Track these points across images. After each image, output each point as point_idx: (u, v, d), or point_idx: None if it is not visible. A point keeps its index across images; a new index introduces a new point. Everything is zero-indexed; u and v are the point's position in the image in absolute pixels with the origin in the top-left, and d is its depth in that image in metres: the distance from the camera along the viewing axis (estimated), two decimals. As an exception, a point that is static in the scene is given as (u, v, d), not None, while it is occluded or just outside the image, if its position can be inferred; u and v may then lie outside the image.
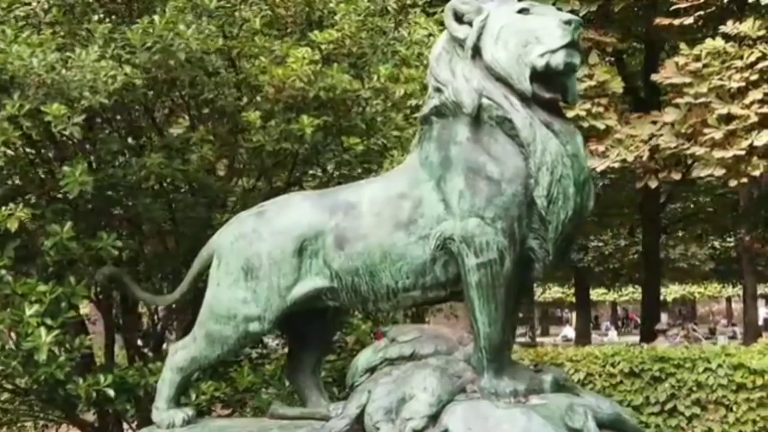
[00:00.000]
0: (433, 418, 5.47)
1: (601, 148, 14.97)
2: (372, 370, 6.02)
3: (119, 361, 8.76)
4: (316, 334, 6.62)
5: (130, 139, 7.59)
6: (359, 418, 5.69)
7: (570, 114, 14.97)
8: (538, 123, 5.51)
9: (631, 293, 52.69)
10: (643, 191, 18.34)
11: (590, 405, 5.62)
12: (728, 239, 32.55)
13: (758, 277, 37.75)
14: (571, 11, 15.46)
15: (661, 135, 14.67)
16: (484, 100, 5.58)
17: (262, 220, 6.25)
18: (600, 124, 15.03)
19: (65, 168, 6.36)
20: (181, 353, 6.42)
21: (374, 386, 5.77)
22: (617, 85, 15.64)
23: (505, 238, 5.50)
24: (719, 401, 10.05)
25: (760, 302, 44.30)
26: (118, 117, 7.44)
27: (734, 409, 9.96)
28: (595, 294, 54.22)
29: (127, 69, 6.33)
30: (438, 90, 5.78)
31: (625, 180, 18.03)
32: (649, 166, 15.04)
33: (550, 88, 5.58)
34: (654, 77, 15.54)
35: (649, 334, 21.75)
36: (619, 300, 60.47)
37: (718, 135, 13.80)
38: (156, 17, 6.41)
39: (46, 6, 6.88)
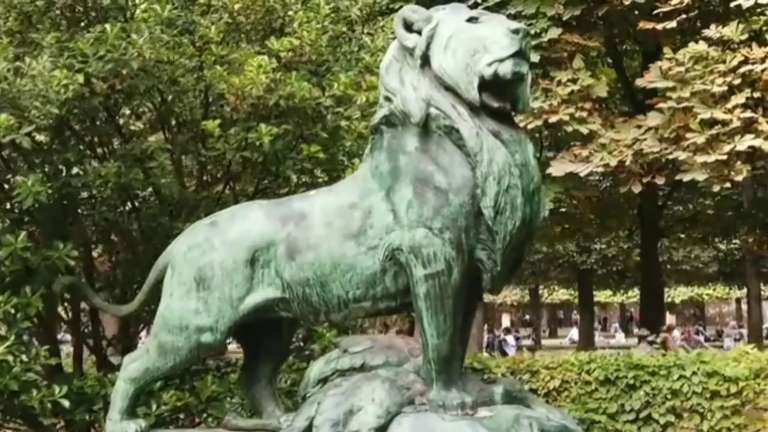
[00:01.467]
0: (381, 430, 5.45)
1: (585, 153, 14.90)
2: (324, 380, 5.99)
3: (89, 370, 8.72)
4: (272, 344, 6.58)
5: (88, 149, 7.54)
6: (308, 431, 5.65)
7: (553, 118, 15.05)
8: (485, 132, 5.46)
9: (639, 295, 52.58)
10: (641, 193, 18.25)
11: (538, 417, 5.57)
12: (733, 241, 32.42)
13: (763, 278, 37.73)
14: (555, 15, 15.47)
15: (645, 139, 14.59)
16: (432, 110, 5.54)
17: (215, 229, 6.22)
18: (583, 129, 14.97)
19: (18, 178, 6.32)
20: (134, 364, 6.39)
21: (323, 398, 5.74)
22: (602, 90, 15.59)
23: (453, 248, 5.45)
24: (694, 409, 9.96)
25: (766, 304, 44.03)
26: (77, 126, 7.38)
27: (708, 417, 9.87)
28: (603, 296, 54.19)
29: (80, 78, 6.27)
30: (387, 99, 5.75)
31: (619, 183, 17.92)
32: (633, 171, 14.96)
33: (499, 97, 5.54)
34: (638, 82, 15.49)
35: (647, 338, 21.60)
36: (627, 302, 60.35)
37: (700, 139, 13.74)
38: (108, 26, 6.37)
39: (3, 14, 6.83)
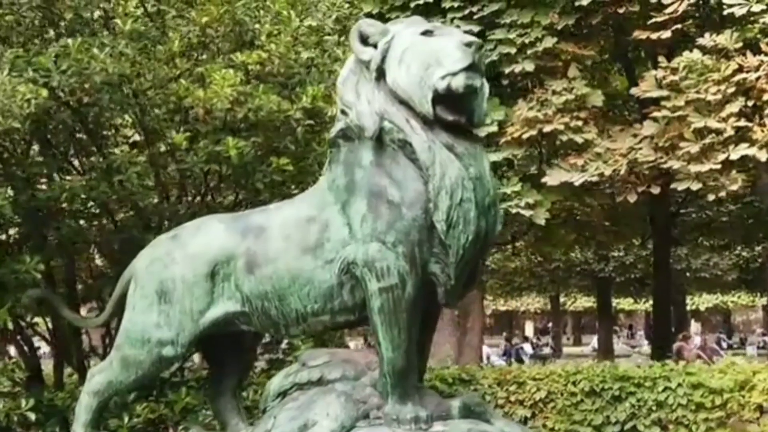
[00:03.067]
0: (335, 443, 5.43)
1: (580, 162, 14.84)
2: (283, 394, 5.99)
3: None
4: (235, 358, 6.57)
5: (65, 162, 7.57)
6: (264, 444, 5.65)
7: (548, 128, 15.00)
8: (439, 146, 5.43)
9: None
10: (652, 201, 18.17)
11: (493, 432, 5.54)
12: (756, 248, 32.13)
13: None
14: (550, 24, 15.42)
15: (640, 149, 14.51)
16: (386, 124, 5.52)
17: (176, 243, 6.23)
18: (579, 138, 14.90)
19: (-19, 192, 6.35)
20: (98, 377, 6.40)
21: (279, 412, 5.75)
22: (597, 99, 15.52)
23: (406, 262, 5.43)
24: (679, 421, 9.92)
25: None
26: (52, 140, 7.42)
27: (694, 429, 9.83)
28: (626, 304, 53.90)
29: (44, 92, 6.29)
30: (343, 113, 5.74)
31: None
32: (628, 180, 14.89)
33: (454, 111, 5.50)
34: (633, 91, 15.43)
35: (661, 347, 21.46)
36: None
37: (694, 148, 13.64)
38: (70, 41, 6.40)
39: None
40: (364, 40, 5.75)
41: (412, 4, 15.94)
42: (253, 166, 7.37)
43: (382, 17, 15.80)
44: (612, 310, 43.30)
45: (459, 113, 5.53)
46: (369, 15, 15.95)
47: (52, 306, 7.27)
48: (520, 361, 34.99)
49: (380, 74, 5.63)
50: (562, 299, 55.27)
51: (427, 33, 5.65)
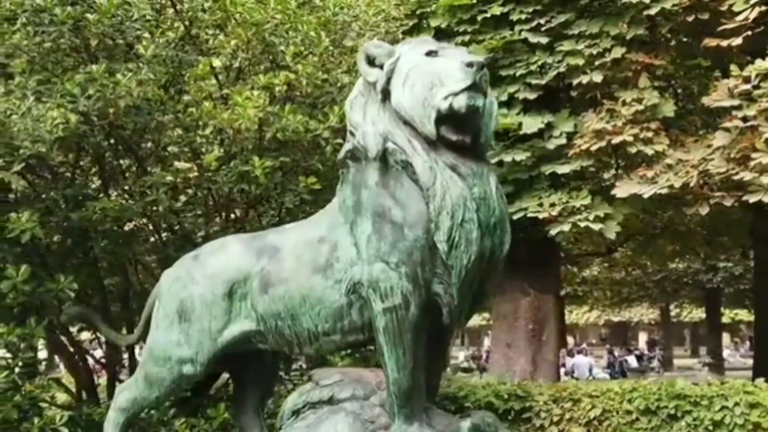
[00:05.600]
0: (341, 463, 5.47)
1: (650, 174, 14.52)
2: (297, 413, 6.05)
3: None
4: (257, 376, 6.69)
5: (102, 183, 7.79)
6: (275, 463, 5.73)
7: (616, 139, 14.75)
8: (441, 166, 5.42)
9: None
10: (753, 211, 17.66)
11: (498, 453, 5.50)
12: None
13: None
14: (619, 34, 15.17)
15: (712, 159, 14.12)
16: (390, 144, 5.55)
17: (197, 263, 6.36)
18: (648, 150, 14.58)
19: (11, 215, 6.57)
20: (124, 394, 6.59)
21: (290, 431, 5.79)
22: (669, 109, 15.15)
23: (409, 283, 5.44)
24: (735, 441, 9.63)
25: None
26: (88, 162, 7.65)
27: (750, 449, 9.53)
28: (743, 315, 52.57)
29: (73, 118, 6.48)
30: (351, 134, 5.79)
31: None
32: (699, 192, 14.50)
33: (458, 131, 5.48)
34: (704, 100, 15.02)
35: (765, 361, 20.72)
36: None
37: (766, 159, 13.20)
38: (94, 67, 6.58)
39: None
40: (371, 61, 5.80)
41: (480, 17, 15.82)
42: (282, 185, 7.46)
43: (450, 31, 15.82)
44: (721, 322, 42.10)
45: (463, 133, 5.51)
46: (437, 29, 15.97)
47: (89, 322, 7.51)
48: (624, 374, 34.24)
49: (385, 95, 5.67)
50: (676, 310, 54.11)
51: (431, 53, 5.66)
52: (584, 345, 53.96)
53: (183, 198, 7.81)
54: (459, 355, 43.54)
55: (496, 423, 6.02)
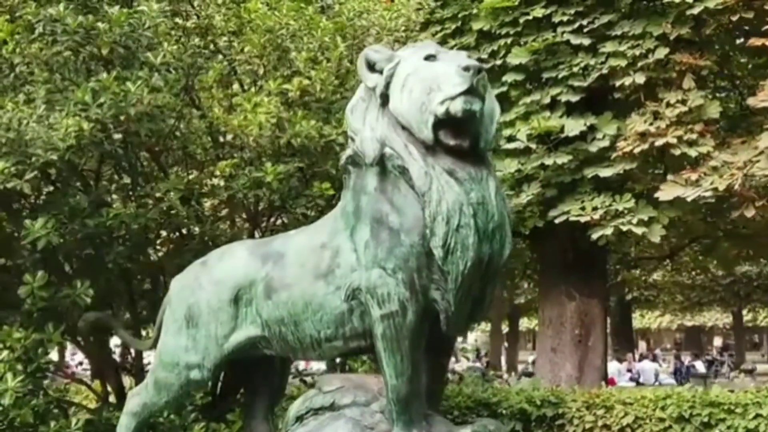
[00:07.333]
0: (340, 469, 5.46)
1: (694, 177, 14.26)
2: (300, 419, 6.05)
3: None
4: (266, 382, 6.72)
5: (117, 190, 7.87)
6: (278, 469, 5.73)
7: (659, 141, 14.51)
8: (438, 171, 5.36)
9: None
10: None
11: (499, 461, 5.44)
12: None
13: None
14: (662, 35, 14.93)
15: (758, 161, 13.82)
16: (387, 150, 5.51)
17: (204, 269, 6.41)
18: (692, 152, 14.33)
19: (26, 222, 6.67)
20: (135, 399, 6.67)
21: (291, 437, 5.80)
22: (714, 110, 14.87)
23: (406, 289, 5.40)
24: (770, 450, 9.40)
25: None
26: (103, 169, 7.74)
27: (784, 459, 9.30)
28: None
29: (86, 125, 6.56)
30: (351, 139, 5.77)
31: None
32: (744, 195, 14.19)
33: (456, 135, 5.42)
34: (749, 101, 14.72)
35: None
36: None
37: (808, 162, 12.91)
38: (104, 74, 6.66)
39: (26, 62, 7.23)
40: (371, 66, 5.76)
41: (522, 20, 15.71)
42: (297, 191, 7.47)
43: (492, 34, 15.75)
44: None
45: (461, 137, 5.44)
46: (480, 31, 15.93)
47: (108, 327, 7.59)
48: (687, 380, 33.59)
49: (384, 100, 5.63)
50: (751, 314, 53.16)
51: (430, 57, 5.60)
52: (657, 350, 53.27)
53: (207, 203, 7.86)
54: (528, 358, 42.87)
55: (498, 430, 5.94)
